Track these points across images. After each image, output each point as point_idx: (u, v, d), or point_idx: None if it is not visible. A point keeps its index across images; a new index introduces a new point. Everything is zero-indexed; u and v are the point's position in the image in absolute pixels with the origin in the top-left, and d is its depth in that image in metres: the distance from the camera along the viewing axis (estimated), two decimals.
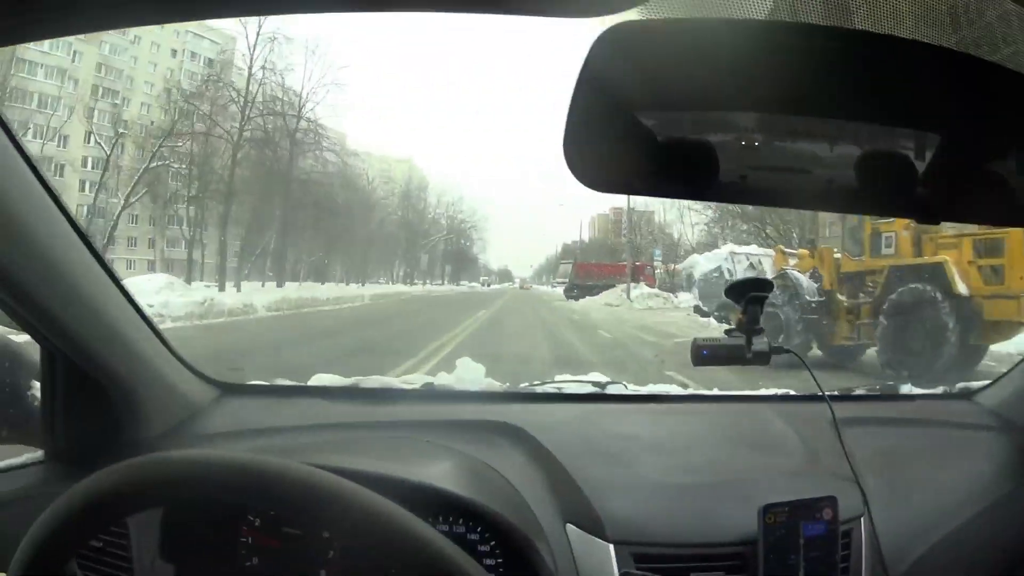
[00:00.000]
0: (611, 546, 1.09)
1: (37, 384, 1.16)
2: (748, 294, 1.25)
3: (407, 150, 44.74)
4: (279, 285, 23.82)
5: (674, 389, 1.76)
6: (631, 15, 0.59)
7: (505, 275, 48.00)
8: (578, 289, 26.36)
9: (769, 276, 8.97)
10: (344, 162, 28.83)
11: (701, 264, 15.44)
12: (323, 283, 27.54)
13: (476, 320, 15.52)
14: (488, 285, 44.33)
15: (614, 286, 24.76)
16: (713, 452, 1.33)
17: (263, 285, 23.58)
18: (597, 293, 24.32)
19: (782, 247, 13.23)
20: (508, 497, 1.14)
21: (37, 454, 1.19)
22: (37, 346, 1.12)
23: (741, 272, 13.27)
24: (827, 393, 1.39)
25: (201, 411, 1.34)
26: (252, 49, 21.96)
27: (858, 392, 1.78)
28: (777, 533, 1.07)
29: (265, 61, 22.33)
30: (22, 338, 1.12)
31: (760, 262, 13.99)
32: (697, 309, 14.87)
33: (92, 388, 1.14)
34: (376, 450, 1.24)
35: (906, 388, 1.78)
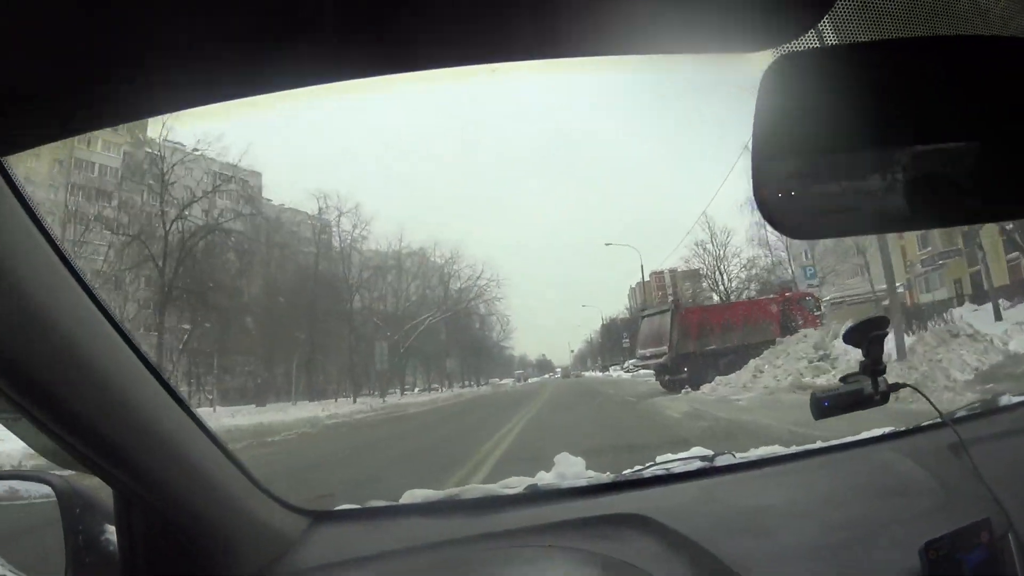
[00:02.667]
0: None
1: (112, 528, 1.12)
2: (870, 334, 1.24)
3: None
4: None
5: (781, 449, 1.70)
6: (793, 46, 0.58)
7: (545, 366, 40.59)
8: (691, 365, 15.68)
9: None
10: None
11: None
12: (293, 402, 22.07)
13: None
14: (525, 380, 36.50)
15: (767, 343, 15.01)
16: (851, 505, 1.27)
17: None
18: (729, 366, 14.90)
19: None
20: None
21: None
22: (107, 488, 1.08)
23: None
24: (948, 417, 1.38)
25: (294, 544, 1.25)
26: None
27: (971, 412, 1.70)
28: (942, 568, 1.03)
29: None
30: (90, 479, 1.09)
31: None
32: None
33: (173, 530, 1.06)
34: (497, 564, 1.16)
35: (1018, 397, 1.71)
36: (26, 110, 0.61)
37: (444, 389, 30.42)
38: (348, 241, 26.81)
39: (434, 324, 28.95)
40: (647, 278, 30.88)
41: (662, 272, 29.95)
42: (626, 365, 27.42)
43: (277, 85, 0.62)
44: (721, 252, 24.49)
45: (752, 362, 14.50)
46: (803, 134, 0.62)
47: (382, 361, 26.13)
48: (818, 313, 18.35)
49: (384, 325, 27.64)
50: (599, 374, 32.64)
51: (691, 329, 16.93)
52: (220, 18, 0.54)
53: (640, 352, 18.68)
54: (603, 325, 34.95)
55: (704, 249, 24.88)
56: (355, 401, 23.19)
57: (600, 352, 36.88)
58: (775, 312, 17.84)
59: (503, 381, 34.49)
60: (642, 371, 20.10)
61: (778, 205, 0.65)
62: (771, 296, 19.36)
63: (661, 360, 16.71)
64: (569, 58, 0.55)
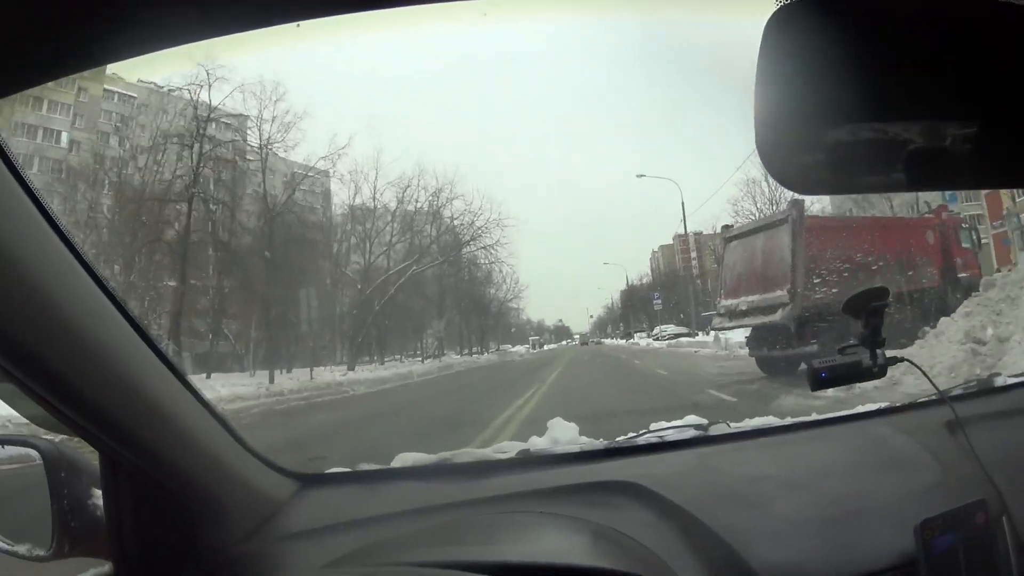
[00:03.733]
0: None
1: (98, 492, 1.12)
2: (869, 305, 1.22)
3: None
4: None
5: (775, 420, 1.70)
6: None
7: (562, 332, 36.91)
8: (823, 329, 8.46)
9: None
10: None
11: None
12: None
13: None
14: (540, 347, 32.60)
15: (931, 293, 9.59)
16: (846, 478, 1.28)
17: None
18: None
19: None
20: (646, 560, 1.06)
21: (104, 567, 1.11)
22: (95, 452, 1.08)
23: None
24: (945, 394, 1.36)
25: (283, 508, 1.25)
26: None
27: (969, 390, 1.69)
28: (936, 547, 1.03)
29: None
30: (76, 442, 1.09)
31: None
32: None
33: (161, 494, 1.06)
34: (486, 530, 1.16)
35: (1018, 376, 1.71)
36: (10, 52, 0.60)
37: (432, 359, 24.62)
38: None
39: (421, 275, 23.39)
40: (670, 241, 27.86)
41: (686, 235, 25.89)
42: (657, 332, 24.35)
43: (266, 19, 0.62)
44: (778, 194, 17.25)
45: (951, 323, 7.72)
46: (807, 86, 0.62)
47: (311, 317, 19.46)
48: (977, 252, 11.73)
49: (356, 278, 22.59)
50: (622, 342, 29.01)
51: (824, 260, 9.50)
52: None
53: (727, 304, 11.10)
54: (623, 291, 31.81)
55: (759, 191, 19.23)
56: (272, 381, 17.10)
57: (622, 318, 34.05)
58: (933, 244, 10.83)
59: (515, 348, 29.78)
60: (725, 336, 13.01)
61: (782, 158, 0.65)
62: (925, 215, 12.10)
63: (774, 318, 9.40)
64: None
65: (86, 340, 0.89)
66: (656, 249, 31.12)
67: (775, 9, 0.57)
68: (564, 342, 35.35)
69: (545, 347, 33.19)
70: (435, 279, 24.72)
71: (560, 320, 37.64)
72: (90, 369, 0.90)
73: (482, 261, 25.40)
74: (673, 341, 20.83)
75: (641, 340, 25.75)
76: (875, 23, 0.59)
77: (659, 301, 26.18)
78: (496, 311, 28.67)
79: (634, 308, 31.59)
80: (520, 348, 30.78)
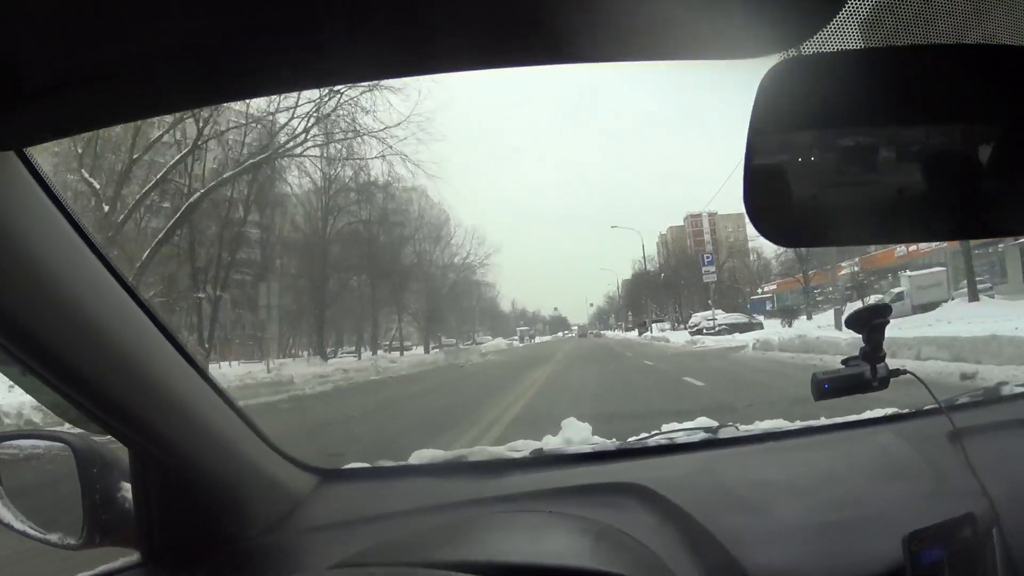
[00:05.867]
0: None
1: (128, 485, 1.17)
2: (871, 322, 1.27)
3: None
4: None
5: (784, 424, 1.73)
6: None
7: (559, 323, 34.42)
8: None
9: None
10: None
11: None
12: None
13: None
14: (529, 339, 29.26)
15: None
16: (846, 485, 1.30)
17: None
18: None
19: None
20: (648, 562, 1.09)
21: (133, 557, 1.17)
22: (124, 447, 1.12)
23: None
24: (944, 404, 1.38)
25: (303, 502, 1.30)
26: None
27: (974, 399, 1.69)
28: (924, 559, 1.05)
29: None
30: (106, 437, 1.13)
31: None
32: None
33: (187, 488, 1.11)
34: (497, 529, 1.20)
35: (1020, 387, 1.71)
36: (47, 103, 0.63)
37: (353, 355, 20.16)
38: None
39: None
40: (681, 222, 25.70)
41: (699, 215, 25.16)
42: (700, 321, 17.55)
43: (267, 89, 0.66)
44: None
45: None
46: (798, 140, 0.64)
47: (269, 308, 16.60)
48: None
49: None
50: (631, 335, 24.93)
51: None
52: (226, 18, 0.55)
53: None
54: (632, 275, 28.60)
55: None
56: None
57: (630, 305, 31.22)
58: None
59: (490, 341, 24.18)
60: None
61: (768, 210, 0.67)
62: None
63: None
64: (571, 63, 0.57)
65: (114, 343, 0.93)
66: (664, 231, 29.46)
67: (768, 68, 0.59)
68: (560, 333, 32.79)
69: (536, 339, 30.06)
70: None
71: (556, 309, 36.12)
72: (115, 367, 0.94)
73: (416, 210, 20.65)
74: (723, 335, 14.25)
75: (667, 334, 19.60)
76: (868, 81, 0.62)
77: (711, 265, 18.36)
78: (452, 285, 21.92)
79: (638, 300, 28.40)
80: (495, 341, 25.61)
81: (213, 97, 0.68)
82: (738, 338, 13.93)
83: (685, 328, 19.36)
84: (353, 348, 23.20)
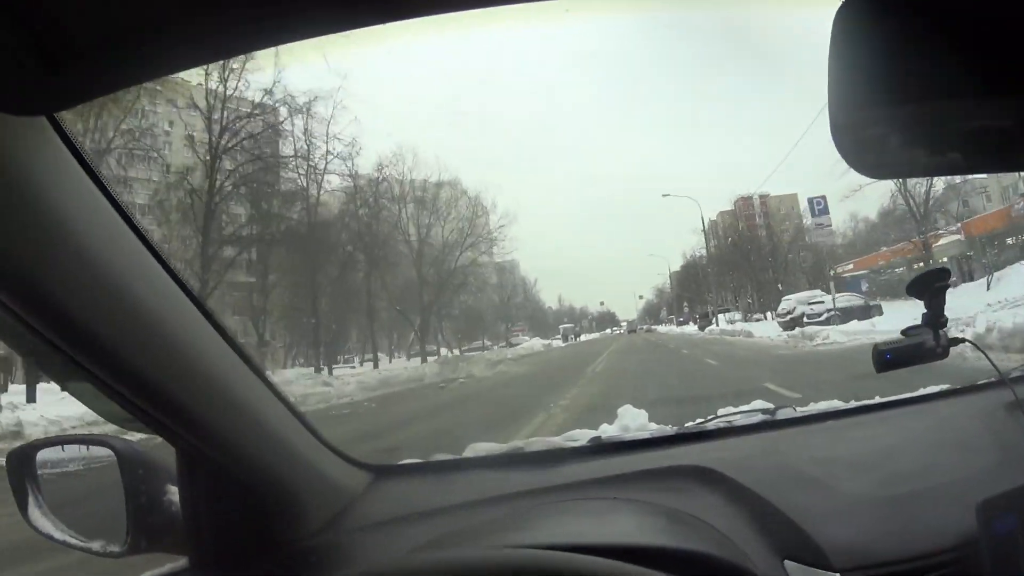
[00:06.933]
0: None
1: (174, 488, 1.14)
2: (932, 286, 1.22)
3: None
4: None
5: (840, 404, 1.70)
6: None
7: (607, 319, 32.87)
8: None
9: None
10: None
11: None
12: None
13: None
14: (574, 337, 26.99)
15: None
16: (910, 458, 1.27)
17: None
18: None
19: None
20: (718, 541, 1.06)
21: (181, 562, 1.13)
22: (169, 448, 1.08)
23: None
24: (1007, 375, 1.36)
25: (357, 499, 1.27)
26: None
27: None
28: (997, 527, 1.02)
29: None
30: (152, 442, 1.09)
31: None
32: None
33: (238, 488, 1.07)
34: (562, 515, 1.16)
35: None
36: (80, 65, 0.61)
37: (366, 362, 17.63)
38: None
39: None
40: (730, 206, 23.76)
41: (750, 197, 23.36)
42: (795, 305, 13.28)
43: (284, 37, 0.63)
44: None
45: None
46: (880, 71, 0.61)
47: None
48: None
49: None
50: (689, 329, 21.62)
51: None
52: None
53: None
54: (682, 265, 26.82)
55: None
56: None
57: (676, 300, 28.99)
58: None
59: (525, 343, 21.68)
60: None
61: (856, 144, 0.65)
62: None
63: None
64: None
65: (166, 336, 0.90)
66: (715, 217, 26.58)
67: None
68: (608, 330, 30.69)
69: (581, 338, 28.04)
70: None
71: (602, 304, 33.50)
72: (171, 366, 0.91)
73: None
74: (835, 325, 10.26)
75: (745, 326, 15.25)
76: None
77: (823, 215, 13.97)
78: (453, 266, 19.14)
79: (690, 290, 25.72)
80: (528, 344, 23.05)
81: (237, 47, 0.66)
82: (855, 327, 9.54)
83: (772, 317, 15.46)
84: (349, 356, 21.05)
